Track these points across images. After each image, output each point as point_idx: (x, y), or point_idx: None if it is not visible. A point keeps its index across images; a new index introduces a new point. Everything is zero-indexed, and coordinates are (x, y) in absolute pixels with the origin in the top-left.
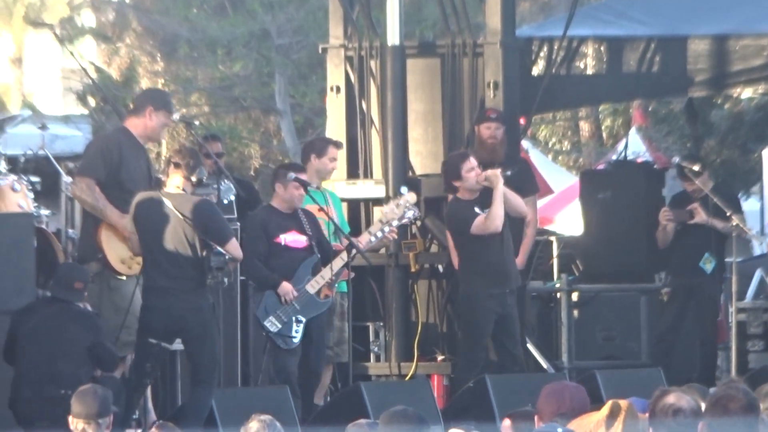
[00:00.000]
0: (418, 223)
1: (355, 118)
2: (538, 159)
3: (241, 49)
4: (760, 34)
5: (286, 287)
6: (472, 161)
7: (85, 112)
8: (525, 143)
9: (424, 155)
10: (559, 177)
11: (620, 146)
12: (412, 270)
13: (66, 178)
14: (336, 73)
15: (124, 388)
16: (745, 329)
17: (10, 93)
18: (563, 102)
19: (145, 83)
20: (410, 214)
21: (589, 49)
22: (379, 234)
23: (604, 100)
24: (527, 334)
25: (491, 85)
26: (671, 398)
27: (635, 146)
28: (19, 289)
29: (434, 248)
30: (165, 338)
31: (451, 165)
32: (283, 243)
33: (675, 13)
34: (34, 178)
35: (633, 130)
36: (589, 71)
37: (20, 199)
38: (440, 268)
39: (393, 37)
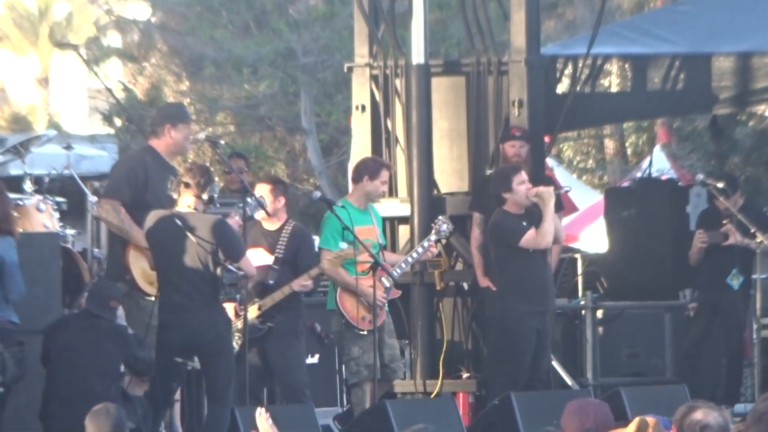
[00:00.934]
0: (443, 241)
1: (380, 136)
2: (562, 177)
3: (267, 68)
4: None
5: None
6: (524, 175)
7: (111, 131)
8: (549, 161)
9: (449, 173)
10: (584, 195)
11: (645, 164)
12: (438, 288)
13: (91, 198)
14: (361, 91)
15: (150, 406)
16: None
17: (36, 113)
18: (588, 120)
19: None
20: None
21: (613, 67)
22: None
23: (629, 118)
24: (552, 351)
25: (516, 103)
26: (698, 414)
27: (660, 164)
28: (46, 308)
29: (459, 266)
30: (183, 355)
31: (502, 176)
32: None
33: (699, 31)
34: (60, 198)
35: (657, 148)
36: (614, 89)
37: (45, 219)
38: (465, 286)
39: (418, 56)
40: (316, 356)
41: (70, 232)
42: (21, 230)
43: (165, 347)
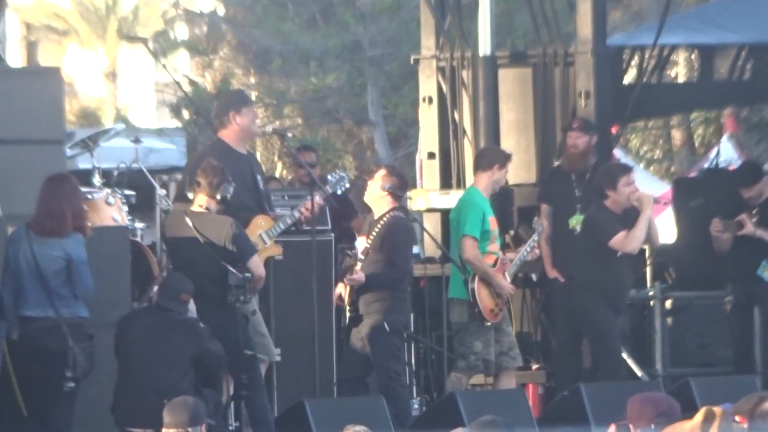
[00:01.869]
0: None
1: (447, 128)
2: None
3: (334, 60)
4: None
5: None
6: (632, 177)
7: (179, 125)
8: (617, 152)
9: (517, 165)
10: (651, 185)
11: (712, 154)
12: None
13: (160, 191)
14: (428, 83)
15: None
16: None
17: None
18: (655, 110)
19: None
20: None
21: (680, 58)
22: (527, 250)
23: (696, 108)
24: (621, 342)
25: (583, 94)
26: None
27: (727, 154)
28: (115, 302)
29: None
30: None
31: (609, 174)
32: None
33: (766, 20)
34: (129, 192)
35: (725, 138)
36: (681, 79)
37: (114, 212)
38: (534, 277)
39: (485, 47)
40: None
41: (139, 225)
42: (90, 224)
43: None
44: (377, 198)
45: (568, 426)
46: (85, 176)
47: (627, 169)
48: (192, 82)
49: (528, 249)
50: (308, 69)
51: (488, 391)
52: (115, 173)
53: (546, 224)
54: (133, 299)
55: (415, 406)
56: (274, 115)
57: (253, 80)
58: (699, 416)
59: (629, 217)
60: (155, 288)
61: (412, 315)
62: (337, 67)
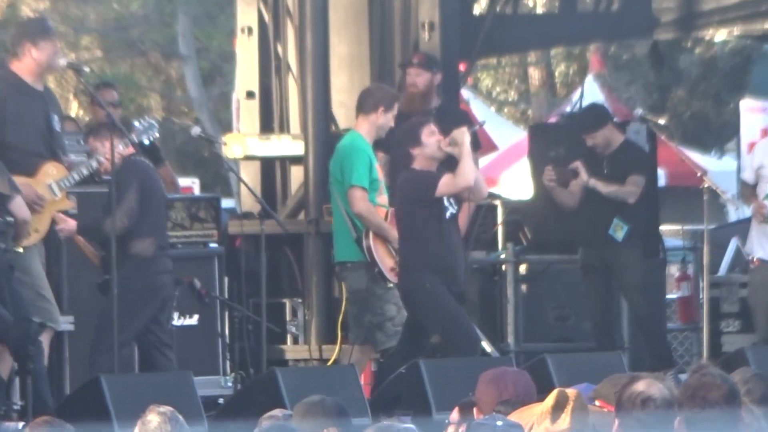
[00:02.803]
0: None
1: (269, 63)
2: (480, 111)
3: None
4: None
5: None
6: (433, 126)
7: None
8: (465, 93)
9: (349, 106)
10: (505, 131)
11: (575, 96)
12: None
13: None
14: (247, 12)
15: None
16: (718, 307)
17: None
18: (509, 45)
19: None
20: None
21: None
22: None
23: (557, 44)
24: (468, 312)
25: (426, 25)
26: (640, 386)
27: (592, 96)
28: None
29: None
30: None
31: (406, 131)
32: None
33: None
34: None
35: (590, 78)
36: (539, 10)
37: None
38: None
39: None
40: (195, 317)
41: None
42: None
43: None
44: None
45: (405, 408)
46: None
47: (424, 122)
48: None
49: None
50: None
51: (313, 367)
52: None
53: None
54: None
55: (229, 383)
56: (69, 46)
57: (44, 6)
58: (549, 400)
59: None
60: None
61: (226, 279)
62: None
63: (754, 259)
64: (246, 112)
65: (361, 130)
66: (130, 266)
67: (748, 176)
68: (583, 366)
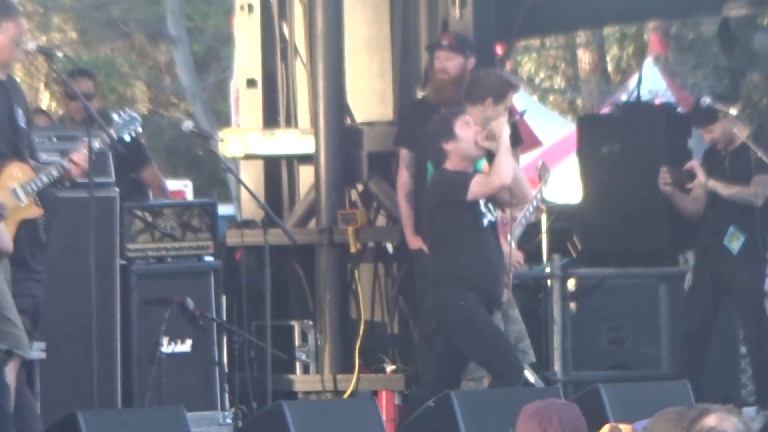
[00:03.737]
0: (360, 186)
1: (273, 46)
2: (520, 100)
3: None
4: None
5: None
6: (468, 117)
7: None
8: None
9: (368, 96)
10: (550, 124)
11: (632, 83)
12: (352, 250)
13: None
14: None
15: None
16: None
17: None
18: (555, 24)
19: None
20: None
21: None
22: (527, 214)
23: (610, 22)
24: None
25: (457, 2)
26: (711, 420)
27: (652, 83)
28: None
29: (381, 221)
30: None
31: (439, 122)
32: None
33: None
34: None
35: (649, 62)
36: None
37: None
38: (389, 247)
39: None
40: (188, 342)
41: None
42: None
43: None
44: None
45: None
46: None
47: (458, 110)
48: None
49: (532, 207)
50: None
51: (326, 401)
52: None
53: (406, 176)
54: None
55: (228, 420)
56: (39, 27)
57: None
58: None
59: None
60: None
61: (224, 298)
62: None
63: None
64: (247, 104)
65: None
66: None
67: None
68: (641, 397)
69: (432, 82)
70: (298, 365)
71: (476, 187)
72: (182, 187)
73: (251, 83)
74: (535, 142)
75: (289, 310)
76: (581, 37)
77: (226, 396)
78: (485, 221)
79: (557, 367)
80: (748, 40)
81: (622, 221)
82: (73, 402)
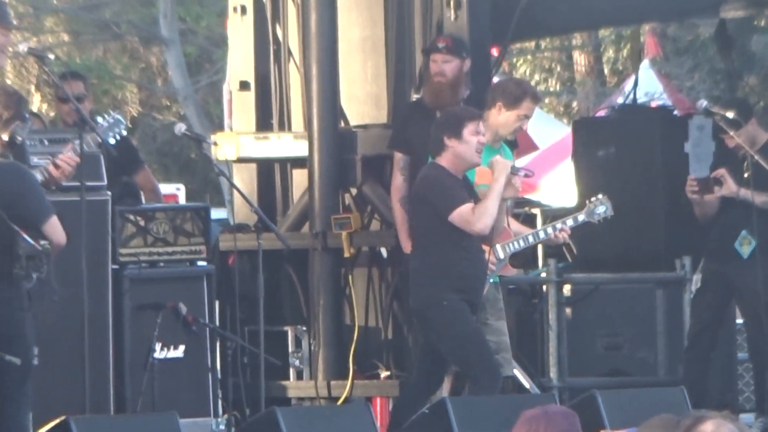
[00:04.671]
0: (354, 191)
1: (267, 49)
2: None
3: None
4: None
5: None
6: (482, 127)
7: None
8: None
9: (362, 99)
10: (545, 127)
11: (627, 86)
12: (346, 255)
13: None
14: None
15: None
16: None
17: None
18: (550, 26)
19: None
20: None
21: None
22: (548, 231)
23: (606, 24)
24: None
25: (452, 2)
26: (708, 427)
27: (648, 85)
28: None
29: (375, 225)
30: None
31: (452, 118)
32: None
33: None
34: None
35: (645, 64)
36: None
37: None
38: (384, 252)
39: None
40: (181, 348)
41: None
42: None
43: None
44: None
45: None
46: None
47: (476, 116)
48: None
49: (551, 231)
50: None
51: (320, 407)
52: None
53: (401, 180)
54: None
55: (221, 426)
56: (31, 29)
57: None
58: None
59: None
60: None
61: (217, 304)
62: None
63: None
64: (240, 106)
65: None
66: None
67: None
68: (638, 404)
69: (428, 85)
70: (291, 371)
71: (458, 218)
72: (175, 190)
73: (244, 86)
74: (531, 146)
75: (283, 315)
76: (577, 39)
77: (219, 402)
78: None
79: (553, 373)
80: (745, 43)
81: (618, 226)
82: (65, 408)
